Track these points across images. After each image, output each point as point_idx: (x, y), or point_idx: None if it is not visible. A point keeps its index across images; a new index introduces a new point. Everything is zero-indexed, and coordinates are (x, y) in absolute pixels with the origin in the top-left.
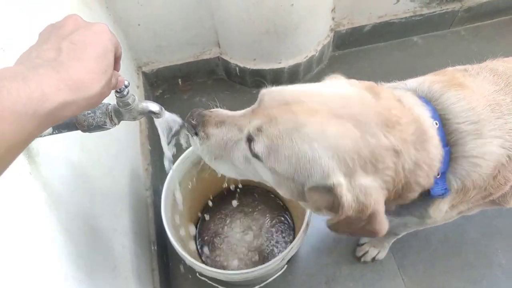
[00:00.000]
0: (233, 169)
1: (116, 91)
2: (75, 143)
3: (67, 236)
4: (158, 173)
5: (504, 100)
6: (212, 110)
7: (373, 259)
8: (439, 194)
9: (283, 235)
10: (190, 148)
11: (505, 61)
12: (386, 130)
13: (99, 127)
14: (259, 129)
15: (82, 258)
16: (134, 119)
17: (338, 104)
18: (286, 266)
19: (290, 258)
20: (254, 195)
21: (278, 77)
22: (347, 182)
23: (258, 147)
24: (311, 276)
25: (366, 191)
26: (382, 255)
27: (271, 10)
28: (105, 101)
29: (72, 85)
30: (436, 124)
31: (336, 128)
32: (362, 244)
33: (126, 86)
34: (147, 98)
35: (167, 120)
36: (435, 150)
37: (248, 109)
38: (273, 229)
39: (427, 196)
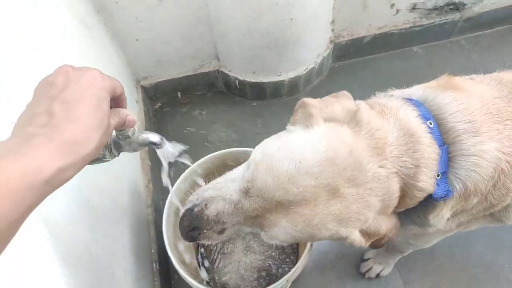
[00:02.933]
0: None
1: None
2: None
3: (67, 269)
4: (158, 189)
5: (505, 108)
6: (197, 211)
7: (378, 275)
8: (441, 196)
9: (286, 251)
10: (189, 168)
11: None
12: (380, 159)
13: (98, 159)
14: (262, 230)
15: (84, 285)
16: (134, 150)
17: (331, 175)
18: (290, 284)
19: None
20: None
21: (278, 90)
22: (360, 233)
23: (276, 242)
24: None
25: (378, 228)
26: (386, 271)
27: (270, 24)
28: None
29: (68, 150)
30: (431, 124)
31: (340, 203)
32: (367, 260)
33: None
34: (147, 112)
35: (168, 149)
36: (429, 148)
37: (236, 196)
38: (276, 246)
39: (431, 201)
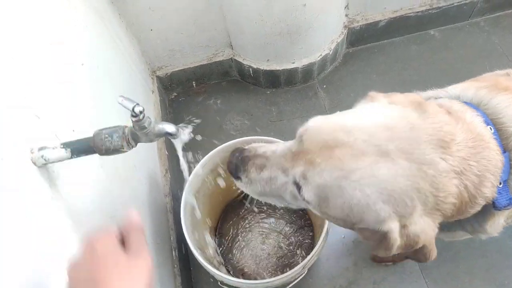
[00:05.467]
0: (281, 201)
1: (132, 115)
2: (93, 161)
3: None
4: (176, 178)
5: None
6: (249, 148)
7: (395, 262)
8: (504, 205)
9: (303, 236)
10: (206, 156)
11: None
12: (442, 152)
13: (117, 150)
14: (304, 177)
15: None
16: (151, 141)
17: (384, 138)
18: (306, 270)
19: None
20: None
21: (292, 77)
22: (401, 227)
23: (308, 195)
24: (331, 279)
25: (419, 234)
26: None
27: (283, 10)
28: (121, 123)
29: None
30: (491, 129)
31: (387, 169)
32: None
33: (141, 112)
34: (162, 101)
35: (183, 140)
36: (496, 156)
37: (287, 145)
38: (292, 231)
39: (489, 209)
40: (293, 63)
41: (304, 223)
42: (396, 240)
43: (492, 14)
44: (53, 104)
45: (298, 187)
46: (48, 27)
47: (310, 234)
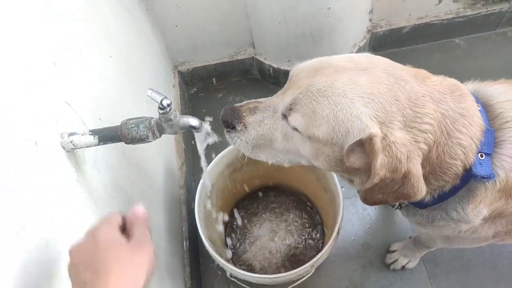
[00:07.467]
0: (273, 153)
1: (160, 108)
2: (116, 148)
3: None
4: (191, 171)
5: None
6: (242, 103)
7: (403, 267)
8: (483, 175)
9: (312, 235)
10: (224, 151)
11: None
12: (417, 81)
13: (142, 140)
14: (293, 101)
15: None
16: (175, 133)
17: (365, 62)
18: (314, 269)
19: None
20: (283, 196)
21: None
22: (383, 133)
23: (295, 118)
24: (338, 280)
25: (400, 147)
26: (412, 264)
27: (307, 13)
28: (148, 114)
29: None
30: (478, 106)
31: (367, 77)
32: (393, 252)
33: (168, 105)
34: (182, 96)
35: (206, 133)
36: (476, 112)
37: (280, 91)
38: (302, 230)
39: (472, 189)
40: None
41: (315, 223)
42: (379, 149)
43: None
44: (82, 93)
45: (286, 116)
46: (80, 22)
47: (321, 234)
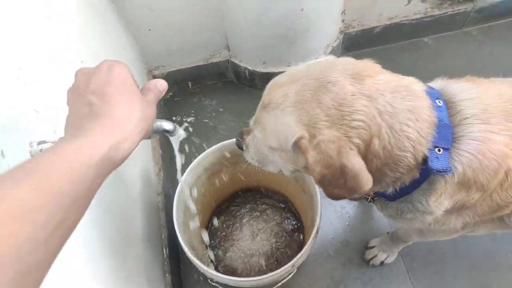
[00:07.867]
0: (274, 164)
1: None
2: None
3: (86, 249)
4: (169, 177)
5: None
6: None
7: (382, 263)
8: (439, 169)
9: (294, 236)
10: (201, 155)
11: None
12: (353, 80)
13: None
14: (254, 119)
15: (99, 267)
16: (149, 138)
17: (302, 72)
18: (296, 270)
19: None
20: (263, 198)
21: None
22: (310, 134)
23: (257, 134)
24: (320, 279)
25: (327, 143)
26: (391, 259)
27: (281, 14)
28: None
29: (115, 124)
30: (440, 102)
31: (295, 88)
32: (372, 248)
33: None
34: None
35: (180, 137)
36: (425, 109)
37: None
38: (283, 231)
39: (433, 183)
40: (289, 66)
41: (295, 224)
42: (307, 149)
43: (484, 24)
44: (52, 100)
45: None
46: (49, 25)
47: (300, 234)
